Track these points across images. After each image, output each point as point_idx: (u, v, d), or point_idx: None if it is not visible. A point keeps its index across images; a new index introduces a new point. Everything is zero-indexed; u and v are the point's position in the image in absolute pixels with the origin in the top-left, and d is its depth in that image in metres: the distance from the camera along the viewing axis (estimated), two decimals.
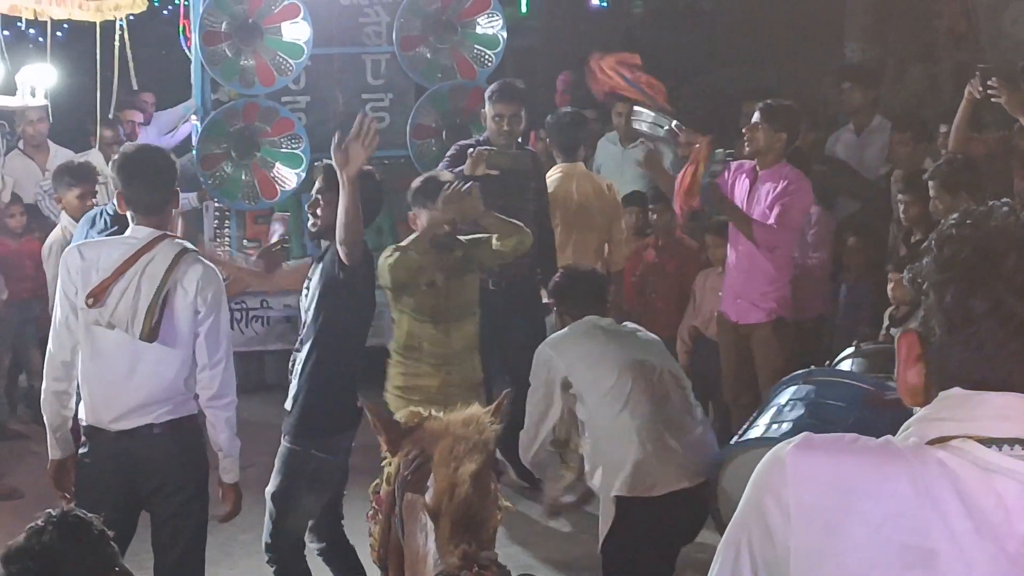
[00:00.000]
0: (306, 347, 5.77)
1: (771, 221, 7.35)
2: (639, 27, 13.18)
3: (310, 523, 5.95)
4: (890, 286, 7.04)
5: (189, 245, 5.30)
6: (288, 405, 5.81)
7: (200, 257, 5.30)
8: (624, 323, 5.95)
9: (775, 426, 5.41)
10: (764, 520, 1.90)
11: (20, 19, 8.18)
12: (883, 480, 1.84)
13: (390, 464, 3.63)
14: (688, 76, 9.78)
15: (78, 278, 5.12)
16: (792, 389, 5.62)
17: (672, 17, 12.82)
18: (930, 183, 7.03)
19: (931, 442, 1.87)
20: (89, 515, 3.55)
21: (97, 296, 5.08)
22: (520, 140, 8.15)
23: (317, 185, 5.95)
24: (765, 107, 7.51)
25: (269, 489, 5.86)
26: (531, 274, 7.90)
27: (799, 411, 5.40)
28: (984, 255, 1.85)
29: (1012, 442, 1.83)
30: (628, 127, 9.29)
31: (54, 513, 3.47)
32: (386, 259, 6.43)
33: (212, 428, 5.31)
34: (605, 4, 12.81)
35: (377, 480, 3.81)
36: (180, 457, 5.25)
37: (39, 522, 3.43)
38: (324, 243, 5.85)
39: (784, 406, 5.53)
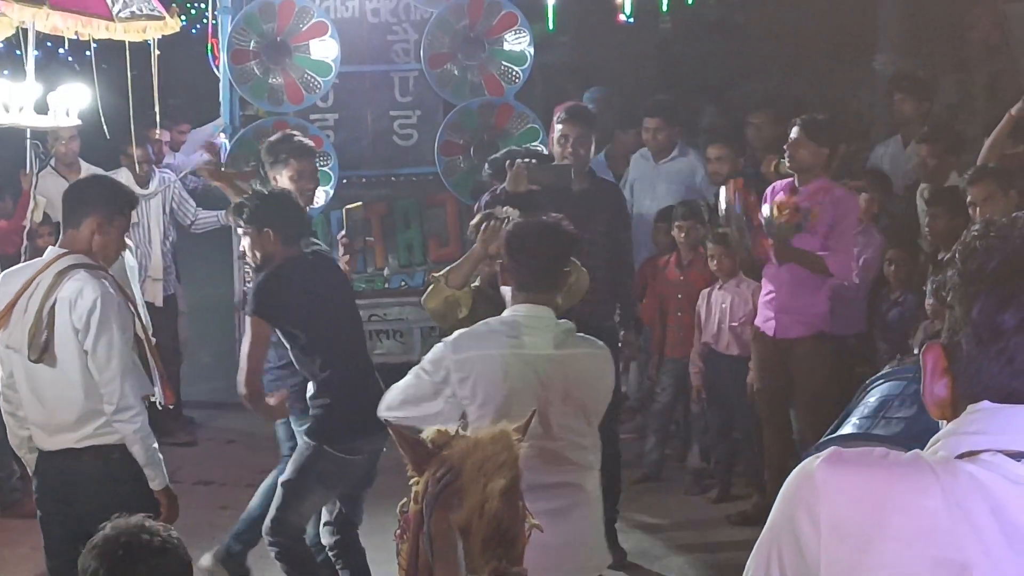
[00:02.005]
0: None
1: (834, 247, 7.31)
2: (668, 41, 13.16)
3: (330, 516, 6.17)
4: (928, 300, 6.95)
5: (86, 262, 5.32)
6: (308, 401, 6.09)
7: (87, 273, 5.28)
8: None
9: (883, 422, 5.14)
10: (795, 534, 1.86)
11: (56, 39, 8.23)
12: (914, 495, 1.81)
13: (418, 483, 3.60)
14: (718, 90, 9.75)
15: None
16: (892, 385, 5.32)
17: (701, 31, 12.76)
18: (976, 185, 6.93)
19: (960, 456, 1.83)
20: (159, 524, 3.55)
21: (2, 319, 5.21)
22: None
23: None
24: (806, 121, 7.39)
25: (283, 477, 6.10)
26: (603, 313, 7.43)
27: (908, 410, 5.12)
28: (1012, 267, 1.82)
29: None
30: (661, 142, 9.23)
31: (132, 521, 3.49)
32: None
33: (126, 441, 5.29)
34: (632, 20, 12.78)
35: (405, 500, 3.78)
36: (111, 484, 5.25)
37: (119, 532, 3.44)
38: None
39: (890, 402, 5.22)
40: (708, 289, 8.31)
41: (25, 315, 5.19)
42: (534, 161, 7.44)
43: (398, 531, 3.83)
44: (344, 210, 7.15)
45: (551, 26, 11.21)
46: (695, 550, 7.54)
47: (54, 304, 5.20)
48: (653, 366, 8.68)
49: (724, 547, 7.43)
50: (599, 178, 7.73)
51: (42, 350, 5.17)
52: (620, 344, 7.56)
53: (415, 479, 3.63)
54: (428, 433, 3.70)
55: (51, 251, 5.36)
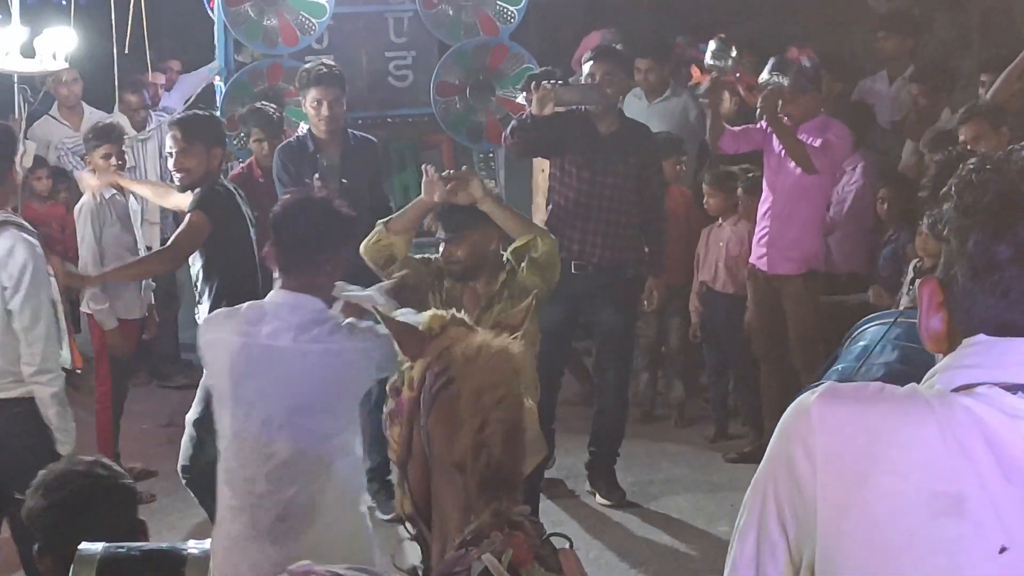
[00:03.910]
0: None
1: (822, 162, 7.45)
2: None
3: None
4: (918, 238, 6.95)
5: (16, 220, 5.32)
6: None
7: (18, 231, 5.25)
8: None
9: (864, 368, 5.16)
10: (791, 469, 1.88)
11: None
12: (911, 428, 1.82)
13: (412, 368, 3.52)
14: (714, 29, 9.63)
15: None
16: (876, 330, 5.33)
17: None
18: (968, 124, 6.94)
19: (956, 389, 1.84)
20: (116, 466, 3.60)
21: None
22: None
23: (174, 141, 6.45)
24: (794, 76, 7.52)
25: (189, 416, 6.31)
26: (628, 257, 7.39)
27: (890, 355, 5.13)
28: (1007, 200, 1.82)
29: None
30: (653, 82, 9.23)
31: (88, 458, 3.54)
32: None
33: (40, 403, 5.28)
34: None
35: (395, 377, 3.72)
36: (16, 438, 5.28)
37: (81, 465, 3.50)
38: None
39: (872, 347, 5.24)
40: (706, 229, 8.33)
41: None
42: (559, 82, 7.42)
43: (389, 409, 3.72)
44: (319, 156, 7.19)
45: None
46: (693, 489, 7.59)
47: None
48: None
49: (721, 486, 7.49)
50: (629, 119, 7.59)
51: None
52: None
53: (408, 364, 3.58)
54: (423, 319, 3.63)
55: None
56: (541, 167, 8.34)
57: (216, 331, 4.42)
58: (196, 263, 6.55)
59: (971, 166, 1.87)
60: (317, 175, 6.89)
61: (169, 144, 6.67)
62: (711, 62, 7.61)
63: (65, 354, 5.51)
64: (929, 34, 9.76)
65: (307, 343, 4.21)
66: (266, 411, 4.21)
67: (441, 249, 5.73)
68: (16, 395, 5.29)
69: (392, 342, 4.14)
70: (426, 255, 5.82)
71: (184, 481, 6.43)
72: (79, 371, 6.07)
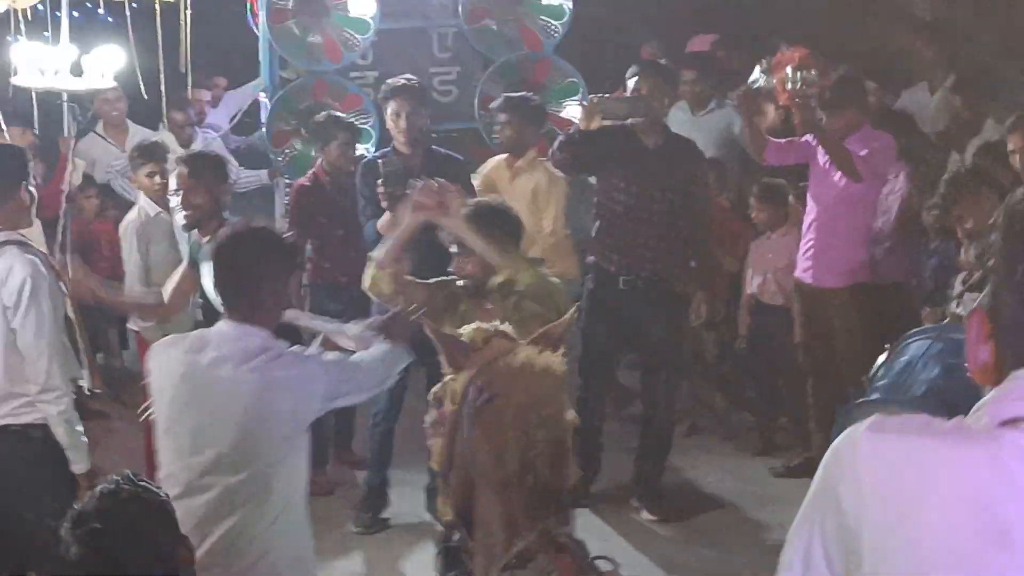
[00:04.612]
0: None
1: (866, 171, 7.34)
2: None
3: None
4: (962, 250, 6.89)
5: (16, 238, 5.27)
6: None
7: (18, 250, 5.22)
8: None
9: (907, 383, 5.07)
10: (838, 501, 1.87)
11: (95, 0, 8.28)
12: (957, 461, 1.81)
13: (455, 380, 3.53)
14: (757, 37, 9.60)
15: None
16: (919, 344, 5.28)
17: None
18: (1017, 133, 6.88)
19: (1004, 423, 1.82)
20: (152, 484, 3.54)
21: None
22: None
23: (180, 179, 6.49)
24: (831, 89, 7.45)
25: None
26: (675, 271, 7.38)
27: (932, 371, 5.06)
28: None
29: None
30: (698, 95, 9.22)
31: (121, 478, 3.44)
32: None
33: (49, 422, 5.22)
34: None
35: (437, 388, 3.71)
36: (30, 465, 5.21)
37: (110, 485, 3.41)
38: None
39: (915, 363, 5.16)
40: (755, 241, 8.31)
41: None
42: (606, 95, 7.42)
43: (431, 419, 3.75)
44: (380, 162, 7.18)
45: None
46: (739, 502, 7.56)
47: None
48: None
49: (768, 500, 7.44)
50: (674, 133, 7.57)
51: None
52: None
53: (451, 376, 3.57)
54: (467, 331, 3.62)
55: None
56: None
57: (160, 357, 4.38)
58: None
59: (1019, 195, 1.86)
60: (380, 181, 6.86)
61: (175, 183, 6.71)
62: (759, 81, 7.51)
63: (82, 373, 5.50)
64: (972, 42, 9.69)
65: (247, 372, 4.15)
66: (205, 440, 4.17)
67: (453, 265, 5.61)
68: (31, 421, 5.23)
69: (344, 370, 4.31)
70: (442, 278, 5.66)
71: None
72: (97, 392, 5.93)
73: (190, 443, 4.19)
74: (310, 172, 8.14)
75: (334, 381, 4.28)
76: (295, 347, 4.40)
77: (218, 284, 4.42)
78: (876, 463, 1.85)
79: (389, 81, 7.53)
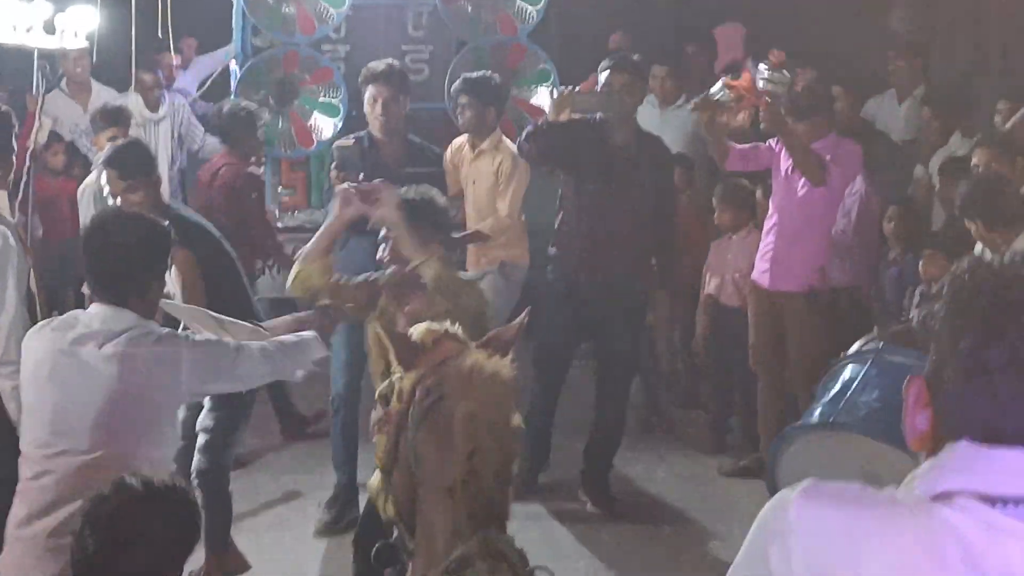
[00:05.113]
0: None
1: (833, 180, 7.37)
2: None
3: None
4: (921, 263, 6.93)
5: None
6: None
7: None
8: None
9: (845, 408, 5.03)
10: (766, 561, 1.88)
11: None
12: (889, 536, 1.81)
13: (402, 379, 3.47)
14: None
15: None
16: (856, 367, 5.23)
17: None
18: (983, 149, 6.93)
19: (936, 496, 1.83)
20: (176, 480, 3.54)
21: None
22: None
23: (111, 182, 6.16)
24: (791, 100, 7.43)
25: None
26: (635, 266, 7.35)
27: (871, 395, 5.04)
28: (1002, 303, 1.81)
29: (1020, 501, 1.79)
30: (668, 90, 9.23)
31: (129, 479, 3.43)
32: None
33: (2, 397, 5.15)
34: None
35: (384, 386, 3.63)
36: None
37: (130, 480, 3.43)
38: None
39: (853, 385, 5.12)
40: (715, 241, 8.32)
41: None
42: (576, 88, 7.40)
43: (376, 418, 3.67)
44: (334, 147, 7.12)
45: None
46: (686, 501, 7.56)
47: None
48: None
49: (714, 499, 7.48)
50: (644, 131, 7.53)
51: None
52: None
53: (399, 374, 3.56)
54: (417, 330, 3.62)
55: None
56: None
57: (31, 339, 4.37)
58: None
59: (965, 266, 1.87)
60: (333, 165, 6.76)
61: (106, 188, 6.31)
62: (766, 84, 7.46)
63: None
64: (948, 57, 9.75)
65: (107, 350, 4.13)
66: (64, 419, 4.15)
67: (384, 250, 5.42)
68: None
69: (218, 353, 4.30)
70: (365, 277, 5.44)
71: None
72: None
73: (50, 421, 4.18)
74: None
75: (202, 363, 4.24)
76: (167, 329, 4.34)
77: (87, 270, 4.38)
78: (806, 532, 1.85)
79: (370, 65, 7.34)
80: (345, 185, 5.52)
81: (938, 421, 1.88)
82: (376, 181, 5.58)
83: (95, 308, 4.27)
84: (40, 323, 4.49)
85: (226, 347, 4.41)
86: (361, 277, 5.41)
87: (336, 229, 5.46)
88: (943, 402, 1.87)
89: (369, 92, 7.18)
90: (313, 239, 5.47)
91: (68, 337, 4.20)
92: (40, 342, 4.29)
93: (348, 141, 7.10)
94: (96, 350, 4.13)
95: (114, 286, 4.25)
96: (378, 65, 7.30)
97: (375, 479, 3.65)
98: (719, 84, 7.37)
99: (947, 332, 1.86)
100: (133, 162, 6.18)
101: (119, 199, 6.09)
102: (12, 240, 5.23)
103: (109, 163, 6.23)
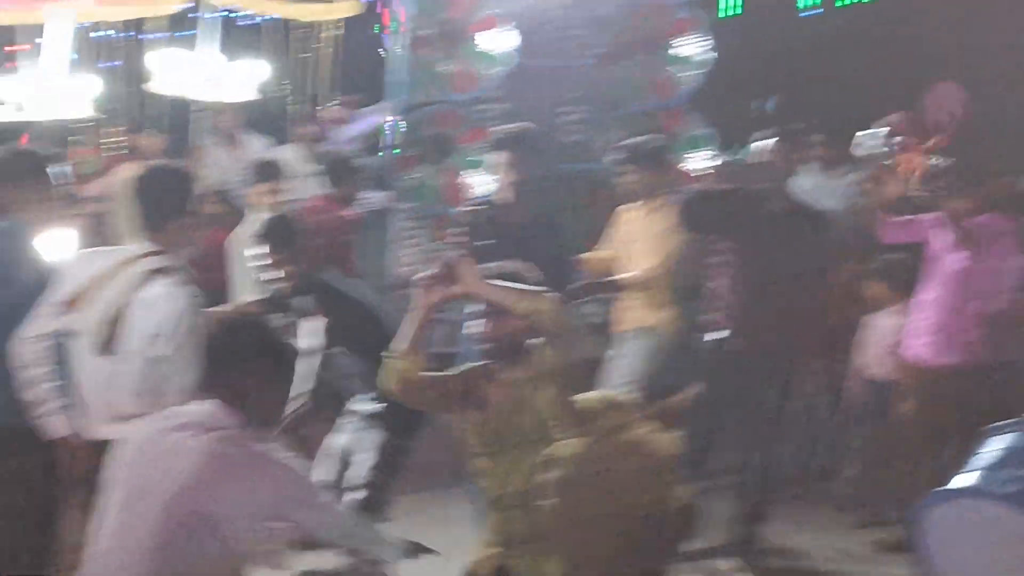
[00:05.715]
0: None
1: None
2: (839, 41, 12.54)
3: None
4: None
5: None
6: None
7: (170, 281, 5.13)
8: None
9: (1004, 478, 4.79)
10: None
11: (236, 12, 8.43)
12: None
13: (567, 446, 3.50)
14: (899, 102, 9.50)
15: None
16: (1020, 435, 5.02)
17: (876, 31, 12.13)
18: None
19: None
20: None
21: None
22: None
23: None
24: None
25: None
26: (787, 337, 7.19)
27: None
28: None
29: None
30: (830, 157, 9.13)
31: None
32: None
33: None
34: (820, 8, 12.09)
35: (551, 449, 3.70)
36: None
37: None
38: None
39: (1014, 454, 4.86)
40: (868, 315, 8.23)
41: None
42: (733, 159, 7.36)
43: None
44: (458, 211, 7.19)
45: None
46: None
47: None
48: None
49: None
50: (801, 202, 7.45)
51: None
52: None
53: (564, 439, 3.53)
54: (584, 398, 3.58)
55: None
56: None
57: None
58: None
59: None
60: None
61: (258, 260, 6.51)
62: (870, 151, 7.41)
63: None
64: None
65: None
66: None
67: (483, 331, 5.06)
68: None
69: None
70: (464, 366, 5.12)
71: None
72: None
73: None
74: None
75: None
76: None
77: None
78: None
79: (499, 129, 7.41)
80: (419, 275, 5.11)
81: None
82: (449, 257, 5.05)
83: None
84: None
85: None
86: (456, 370, 5.15)
87: (422, 319, 5.01)
88: None
89: (497, 157, 7.22)
90: (400, 332, 5.09)
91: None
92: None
93: (474, 206, 7.13)
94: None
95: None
96: (507, 129, 7.37)
97: None
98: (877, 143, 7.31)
99: None
100: (278, 238, 6.45)
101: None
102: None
103: (259, 238, 6.48)
